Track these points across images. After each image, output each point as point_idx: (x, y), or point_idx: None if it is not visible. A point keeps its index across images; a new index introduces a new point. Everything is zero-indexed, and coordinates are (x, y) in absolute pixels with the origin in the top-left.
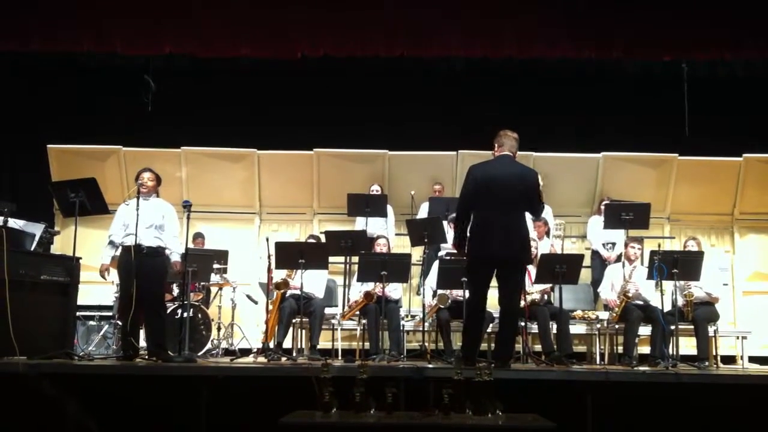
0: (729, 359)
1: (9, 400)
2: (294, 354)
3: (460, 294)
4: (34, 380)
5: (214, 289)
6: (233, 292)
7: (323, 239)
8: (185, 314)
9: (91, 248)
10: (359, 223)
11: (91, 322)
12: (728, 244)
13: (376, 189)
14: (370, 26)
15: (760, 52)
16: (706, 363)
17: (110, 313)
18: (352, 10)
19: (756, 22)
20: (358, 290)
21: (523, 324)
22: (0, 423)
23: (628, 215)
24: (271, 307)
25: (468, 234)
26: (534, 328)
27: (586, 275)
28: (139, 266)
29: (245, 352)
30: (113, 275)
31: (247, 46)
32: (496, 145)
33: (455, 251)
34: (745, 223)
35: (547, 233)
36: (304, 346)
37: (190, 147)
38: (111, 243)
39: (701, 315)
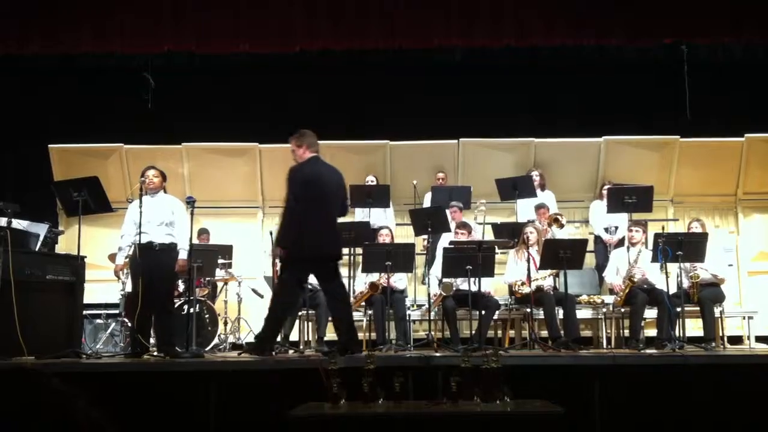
0: (736, 340)
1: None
2: (301, 346)
3: (461, 282)
4: (44, 378)
5: (219, 284)
6: (239, 287)
7: None
8: (192, 310)
9: (96, 247)
10: (358, 214)
11: (98, 321)
12: (732, 225)
13: (371, 180)
14: (369, 18)
15: (760, 35)
16: (713, 344)
17: (117, 311)
18: (350, 3)
19: (755, 5)
20: (363, 281)
21: (529, 310)
22: (11, 421)
23: (631, 198)
24: None
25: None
26: (540, 314)
27: (590, 260)
28: (151, 263)
29: None
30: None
31: (245, 41)
32: (305, 145)
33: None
34: (749, 203)
35: None
36: (311, 339)
37: (192, 143)
38: (123, 243)
39: (707, 296)
